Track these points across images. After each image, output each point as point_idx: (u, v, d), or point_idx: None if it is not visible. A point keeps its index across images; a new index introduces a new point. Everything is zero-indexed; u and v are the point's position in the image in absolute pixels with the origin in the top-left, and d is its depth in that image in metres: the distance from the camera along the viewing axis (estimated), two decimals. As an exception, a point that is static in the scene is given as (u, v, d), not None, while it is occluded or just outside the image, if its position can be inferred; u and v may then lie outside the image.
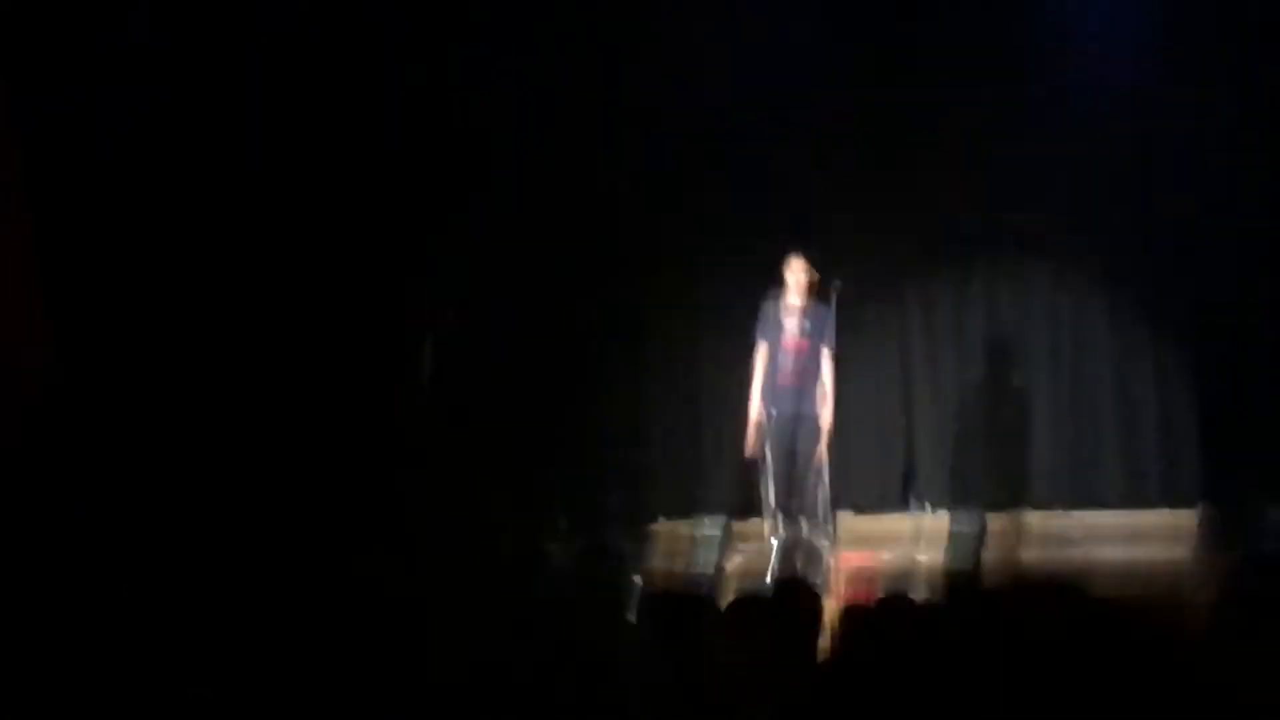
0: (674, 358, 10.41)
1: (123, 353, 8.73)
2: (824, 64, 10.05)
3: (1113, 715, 3.02)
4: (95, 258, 8.79)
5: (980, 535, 8.95)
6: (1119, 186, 9.92)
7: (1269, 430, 9.60)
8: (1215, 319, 9.81)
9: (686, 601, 4.07)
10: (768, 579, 8.23)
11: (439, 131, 9.98)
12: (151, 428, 8.55)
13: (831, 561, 8.81)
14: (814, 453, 9.11)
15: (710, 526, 9.53)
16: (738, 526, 9.69)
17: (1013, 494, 9.88)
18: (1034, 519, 9.71)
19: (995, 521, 9.25)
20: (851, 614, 3.81)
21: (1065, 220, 10.00)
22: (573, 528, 9.81)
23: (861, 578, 8.53)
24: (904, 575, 7.93)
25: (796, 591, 4.08)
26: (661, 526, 10.07)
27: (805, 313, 9.12)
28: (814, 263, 9.10)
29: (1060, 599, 3.61)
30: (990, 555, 8.88)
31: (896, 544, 9.28)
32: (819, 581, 7.99)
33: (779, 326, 9.14)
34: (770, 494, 9.14)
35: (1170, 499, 9.86)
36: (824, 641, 3.99)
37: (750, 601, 4.08)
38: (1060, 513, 9.83)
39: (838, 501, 9.23)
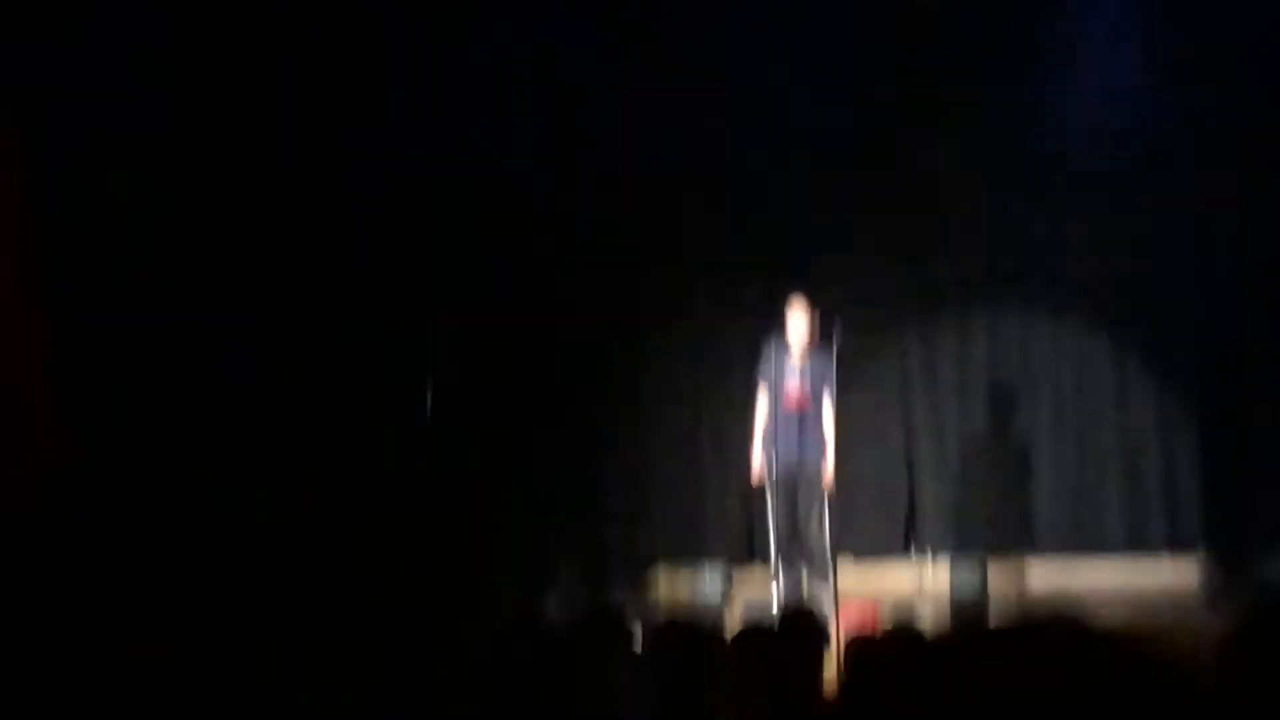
0: (674, 401, 10.38)
1: (122, 390, 8.72)
2: (827, 107, 10.07)
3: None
4: (96, 301, 8.81)
5: (982, 582, 8.92)
6: (1120, 234, 9.94)
7: (1271, 477, 9.58)
8: (1217, 365, 9.81)
9: (691, 632, 4.03)
10: (773, 609, 8.20)
11: (436, 177, 10.01)
12: (149, 464, 8.54)
13: (832, 609, 8.76)
14: (815, 498, 9.07)
15: (711, 573, 9.50)
16: (738, 573, 9.66)
17: (1015, 540, 9.84)
18: (1036, 565, 9.70)
19: (997, 568, 9.23)
20: (857, 645, 3.78)
21: (1067, 267, 10.01)
22: (573, 574, 9.79)
23: (864, 621, 8.50)
24: (907, 612, 7.88)
25: (802, 622, 4.04)
26: (662, 573, 10.03)
27: (806, 355, 9.10)
28: (815, 305, 9.09)
29: (1066, 634, 3.58)
30: (993, 601, 8.86)
31: (898, 591, 9.25)
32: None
33: (780, 369, 9.11)
34: (771, 539, 9.11)
35: (1172, 545, 9.82)
36: (830, 672, 3.96)
37: (755, 632, 4.04)
38: (1062, 559, 9.79)
39: (838, 547, 9.17)
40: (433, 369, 9.02)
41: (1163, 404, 10.04)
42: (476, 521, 9.36)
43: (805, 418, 9.07)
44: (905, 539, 10.07)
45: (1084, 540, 9.97)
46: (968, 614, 8.70)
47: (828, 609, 8.55)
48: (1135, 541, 9.93)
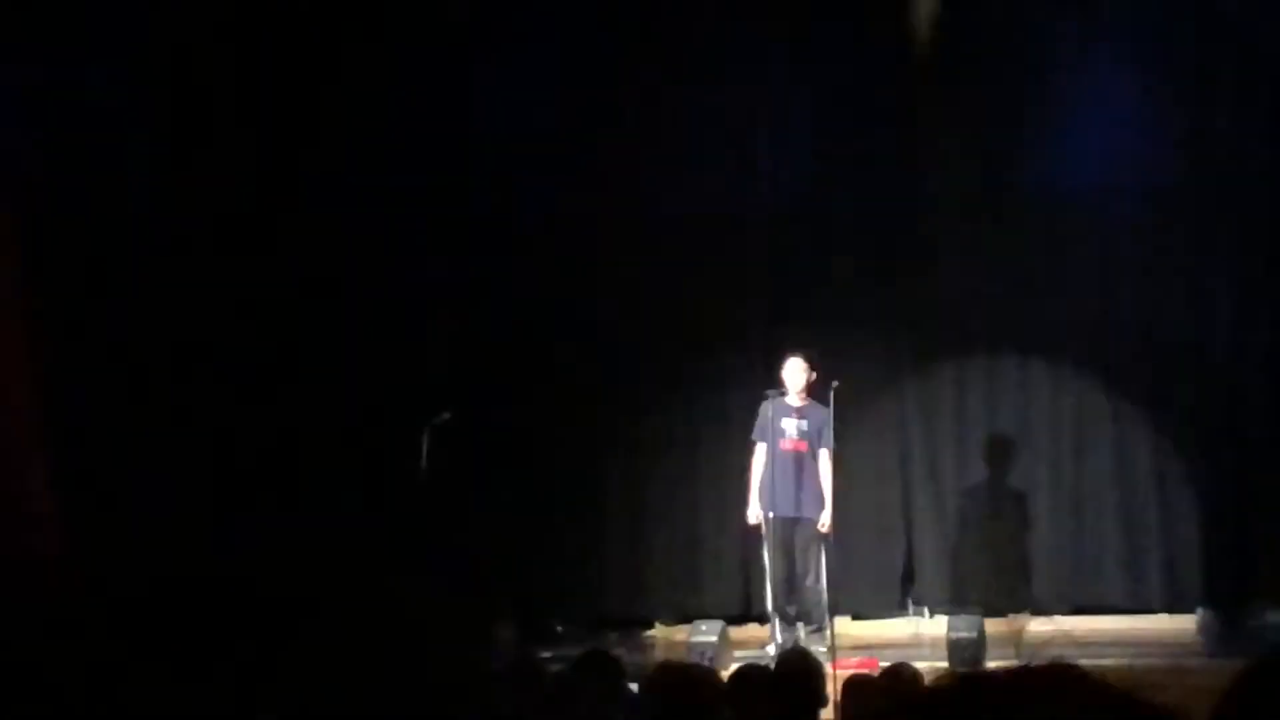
0: (671, 461, 10.35)
1: (121, 447, 8.73)
2: (823, 166, 10.15)
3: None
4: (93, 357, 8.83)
5: (979, 638, 8.87)
6: (1119, 290, 9.96)
7: (1268, 535, 9.56)
8: (1215, 423, 9.80)
9: (690, 673, 4.01)
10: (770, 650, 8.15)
11: (438, 237, 10.06)
12: (151, 517, 8.54)
13: (828, 667, 8.70)
14: (812, 553, 9.04)
15: (707, 631, 9.46)
16: (734, 632, 9.61)
17: (1012, 598, 9.79)
18: (1033, 621, 9.65)
19: (994, 624, 9.19)
20: (855, 683, 3.75)
21: (1065, 323, 10.00)
22: (569, 633, 9.76)
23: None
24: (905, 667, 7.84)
25: (799, 662, 4.02)
26: (658, 632, 9.99)
27: (803, 413, 9.08)
28: (812, 363, 9.08)
29: (1063, 682, 3.56)
30: (990, 657, 8.80)
31: (895, 646, 9.20)
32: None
33: (777, 427, 9.09)
34: (768, 594, 9.07)
35: (1170, 603, 9.76)
36: (827, 713, 3.93)
37: (753, 672, 4.02)
38: (1060, 617, 9.74)
39: (835, 605, 9.13)
40: (429, 421, 9.02)
41: (1160, 461, 9.99)
42: (474, 573, 9.35)
43: (802, 474, 9.04)
44: (902, 595, 10.02)
45: (1082, 597, 9.91)
46: (965, 669, 8.65)
47: (824, 665, 8.50)
48: (1133, 597, 9.87)
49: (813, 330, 9.59)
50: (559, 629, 9.96)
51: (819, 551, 9.04)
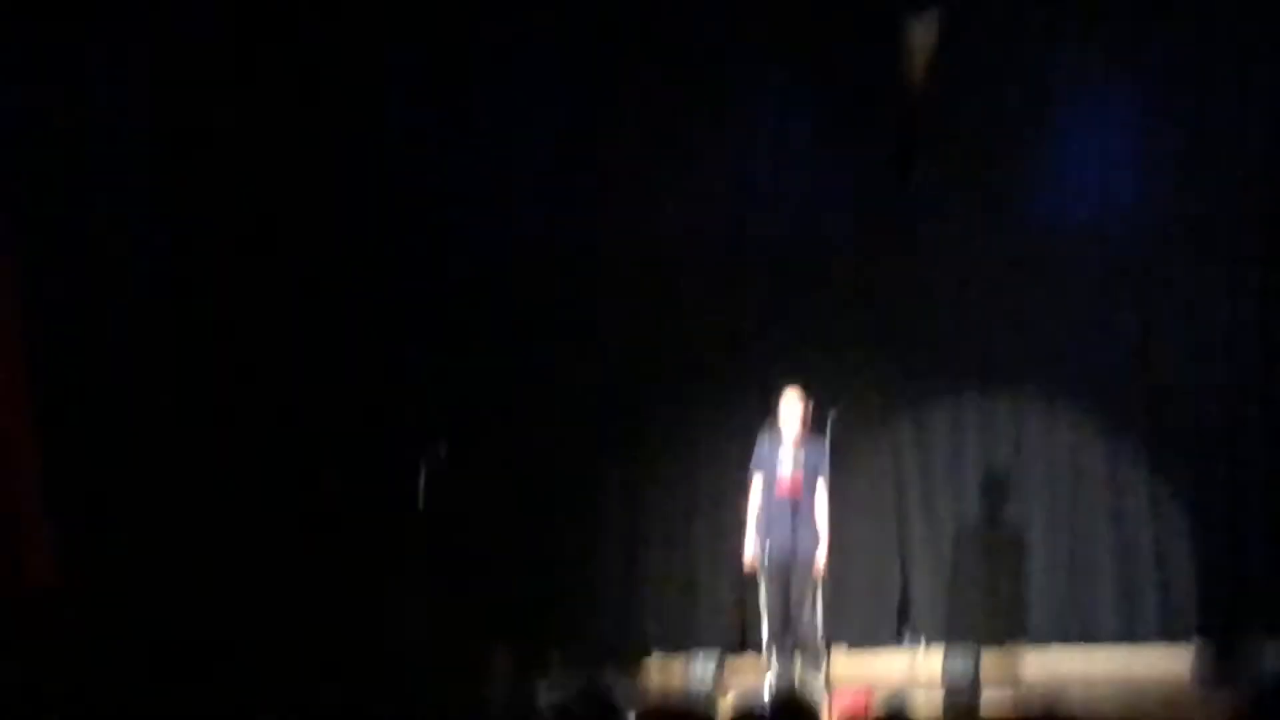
0: (668, 492, 10.37)
1: (118, 483, 8.75)
2: (823, 199, 10.20)
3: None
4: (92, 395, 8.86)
5: (975, 670, 8.89)
6: (1112, 321, 10.00)
7: (1264, 565, 9.58)
8: (1210, 453, 9.83)
9: (684, 716, 4.02)
10: (764, 697, 8.14)
11: (435, 269, 10.09)
12: (150, 550, 8.56)
13: (824, 697, 8.73)
14: (808, 586, 9.05)
15: (704, 661, 9.47)
16: (731, 661, 9.62)
17: (1008, 629, 9.81)
18: (1029, 654, 9.66)
19: (990, 656, 9.20)
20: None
21: (1058, 354, 10.04)
22: (565, 662, 9.75)
23: (856, 708, 8.47)
24: (900, 700, 7.86)
25: (793, 706, 4.05)
26: (655, 661, 9.99)
27: (800, 445, 9.10)
28: (808, 395, 9.10)
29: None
30: (985, 690, 8.82)
31: (891, 679, 9.21)
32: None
33: (773, 459, 9.12)
34: (764, 627, 9.08)
35: (1166, 634, 9.78)
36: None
37: (748, 717, 4.04)
38: (1056, 648, 9.76)
39: (831, 636, 9.14)
40: (426, 457, 9.03)
41: (1155, 492, 10.02)
42: (469, 603, 9.36)
43: (799, 506, 9.05)
44: (898, 627, 10.03)
45: (1077, 629, 9.93)
46: (960, 703, 8.67)
47: (820, 697, 8.52)
48: (1129, 630, 9.89)
49: (809, 362, 9.62)
50: (556, 659, 9.96)
51: (815, 584, 9.06)
